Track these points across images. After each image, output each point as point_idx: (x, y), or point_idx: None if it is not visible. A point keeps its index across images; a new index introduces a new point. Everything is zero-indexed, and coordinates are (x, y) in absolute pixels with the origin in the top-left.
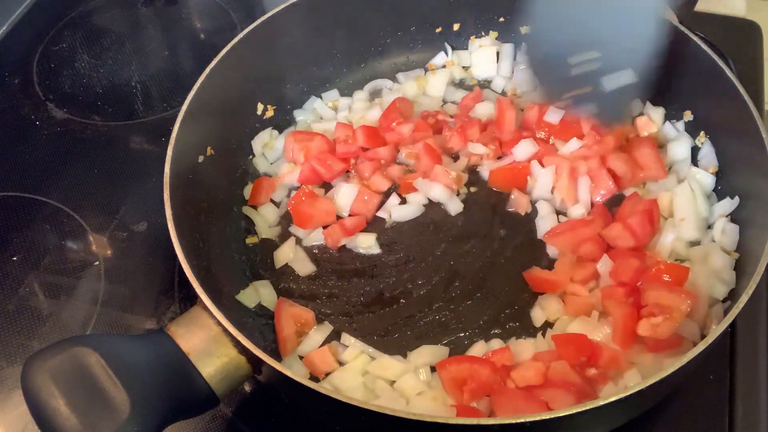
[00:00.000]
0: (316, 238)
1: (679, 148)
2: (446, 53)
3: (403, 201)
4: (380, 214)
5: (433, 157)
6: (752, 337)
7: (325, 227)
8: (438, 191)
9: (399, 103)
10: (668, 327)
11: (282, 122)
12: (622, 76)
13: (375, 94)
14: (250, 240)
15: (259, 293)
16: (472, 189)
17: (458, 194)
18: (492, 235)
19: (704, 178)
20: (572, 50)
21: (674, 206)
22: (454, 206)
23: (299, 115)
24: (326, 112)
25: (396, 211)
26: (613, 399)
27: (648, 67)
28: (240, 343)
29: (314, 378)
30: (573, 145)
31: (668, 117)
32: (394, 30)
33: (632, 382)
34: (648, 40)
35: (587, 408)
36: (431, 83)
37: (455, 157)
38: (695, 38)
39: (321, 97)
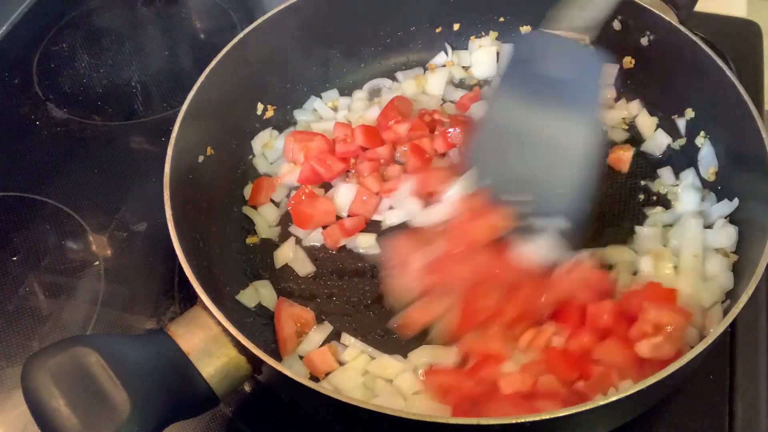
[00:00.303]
0: (316, 238)
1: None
2: (446, 53)
3: None
4: (376, 216)
5: (420, 158)
6: (752, 337)
7: (324, 227)
8: (411, 205)
9: (397, 102)
10: (671, 346)
11: (282, 122)
12: (553, 222)
13: (374, 94)
14: (250, 240)
15: (259, 293)
16: None
17: None
18: None
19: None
20: (507, 189)
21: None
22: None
23: (299, 115)
24: (326, 112)
25: (388, 217)
26: (613, 399)
27: (581, 215)
28: (240, 343)
29: (314, 378)
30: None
31: (668, 116)
32: (394, 30)
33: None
34: (580, 187)
35: (587, 408)
36: (430, 82)
37: None
38: (695, 38)
39: (321, 97)
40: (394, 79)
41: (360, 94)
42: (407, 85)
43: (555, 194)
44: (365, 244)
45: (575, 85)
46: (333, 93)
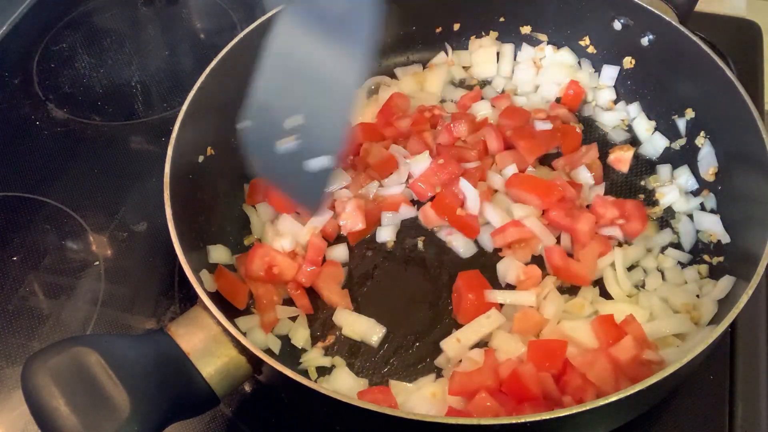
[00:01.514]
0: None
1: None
2: (446, 53)
3: None
4: None
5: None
6: (752, 337)
7: None
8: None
9: (396, 99)
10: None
11: None
12: (321, 161)
13: (372, 92)
14: (248, 240)
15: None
16: None
17: None
18: None
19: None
20: (281, 130)
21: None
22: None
23: None
24: None
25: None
26: (613, 399)
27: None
28: (240, 343)
29: None
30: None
31: (668, 116)
32: (394, 30)
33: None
34: (345, 125)
35: (587, 408)
36: (429, 80)
37: None
38: (695, 38)
39: None
40: (392, 76)
41: (358, 92)
42: (405, 82)
43: (325, 133)
44: (340, 257)
45: (350, 21)
46: None
